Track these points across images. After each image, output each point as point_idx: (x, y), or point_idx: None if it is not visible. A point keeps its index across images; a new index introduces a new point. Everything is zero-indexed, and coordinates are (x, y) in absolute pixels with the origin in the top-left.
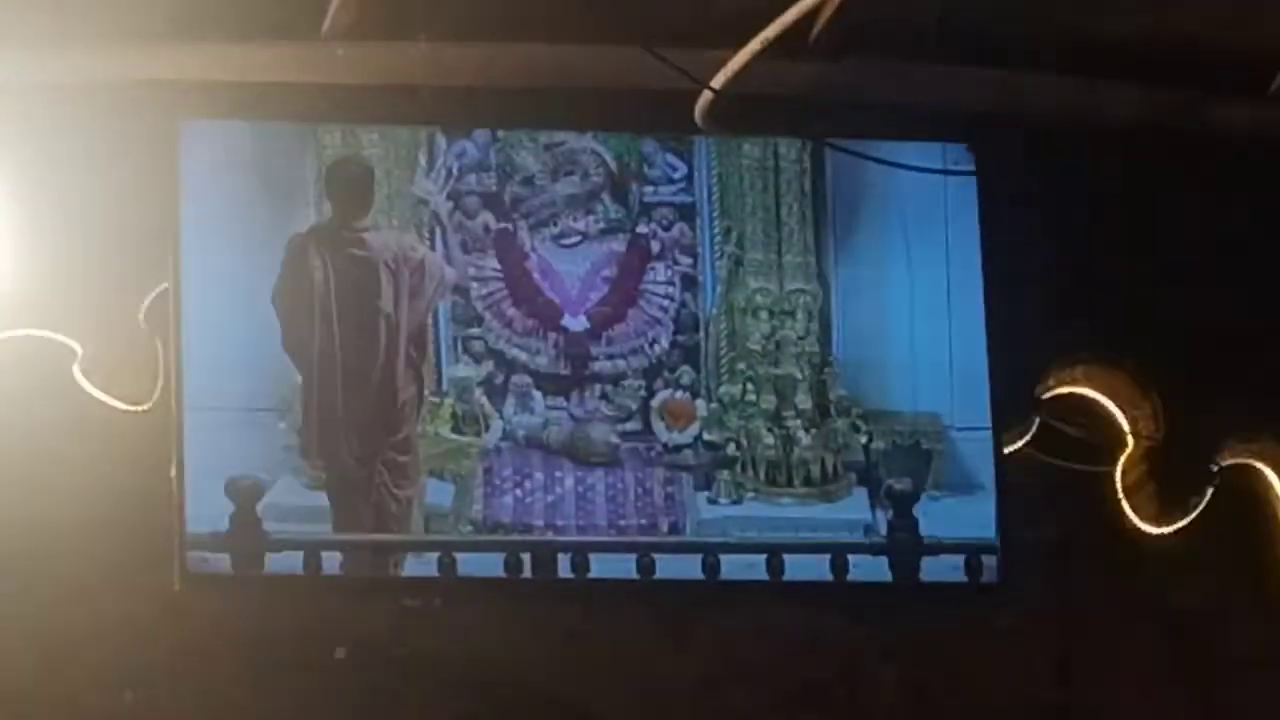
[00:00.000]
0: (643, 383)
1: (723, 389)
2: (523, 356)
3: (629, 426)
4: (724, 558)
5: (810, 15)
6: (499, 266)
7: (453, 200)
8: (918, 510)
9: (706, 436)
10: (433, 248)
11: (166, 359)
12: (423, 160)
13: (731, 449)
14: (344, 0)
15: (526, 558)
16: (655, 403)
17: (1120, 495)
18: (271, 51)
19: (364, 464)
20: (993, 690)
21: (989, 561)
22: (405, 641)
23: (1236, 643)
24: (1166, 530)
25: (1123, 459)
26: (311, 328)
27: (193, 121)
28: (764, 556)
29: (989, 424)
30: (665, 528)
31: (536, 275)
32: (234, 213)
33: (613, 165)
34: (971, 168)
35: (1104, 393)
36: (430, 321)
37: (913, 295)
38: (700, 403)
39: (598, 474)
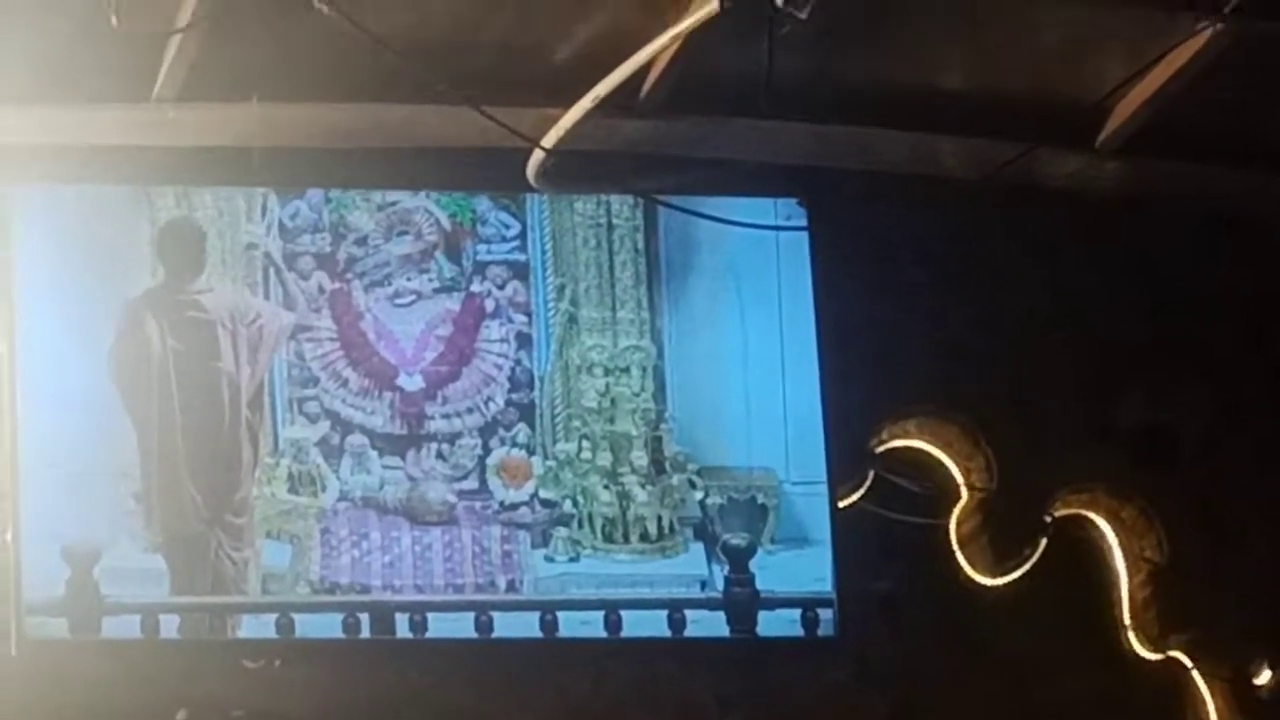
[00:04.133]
0: (479, 441)
1: (558, 446)
2: (358, 416)
3: (465, 485)
4: (562, 615)
5: (641, 73)
6: (334, 327)
7: (287, 255)
8: (754, 565)
9: (543, 494)
10: (267, 294)
11: (0, 423)
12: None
13: (568, 506)
14: (175, 61)
15: (365, 618)
16: (491, 461)
17: (955, 547)
18: (102, 114)
19: (209, 526)
20: None
21: (825, 615)
22: (245, 703)
23: (1071, 691)
24: (1001, 581)
25: (956, 511)
26: (150, 392)
27: (23, 186)
28: (602, 613)
29: (824, 478)
30: (503, 586)
31: (371, 335)
32: (68, 276)
33: (446, 224)
34: (803, 222)
35: (937, 445)
36: (266, 382)
37: (746, 350)
38: (536, 460)
39: (435, 533)
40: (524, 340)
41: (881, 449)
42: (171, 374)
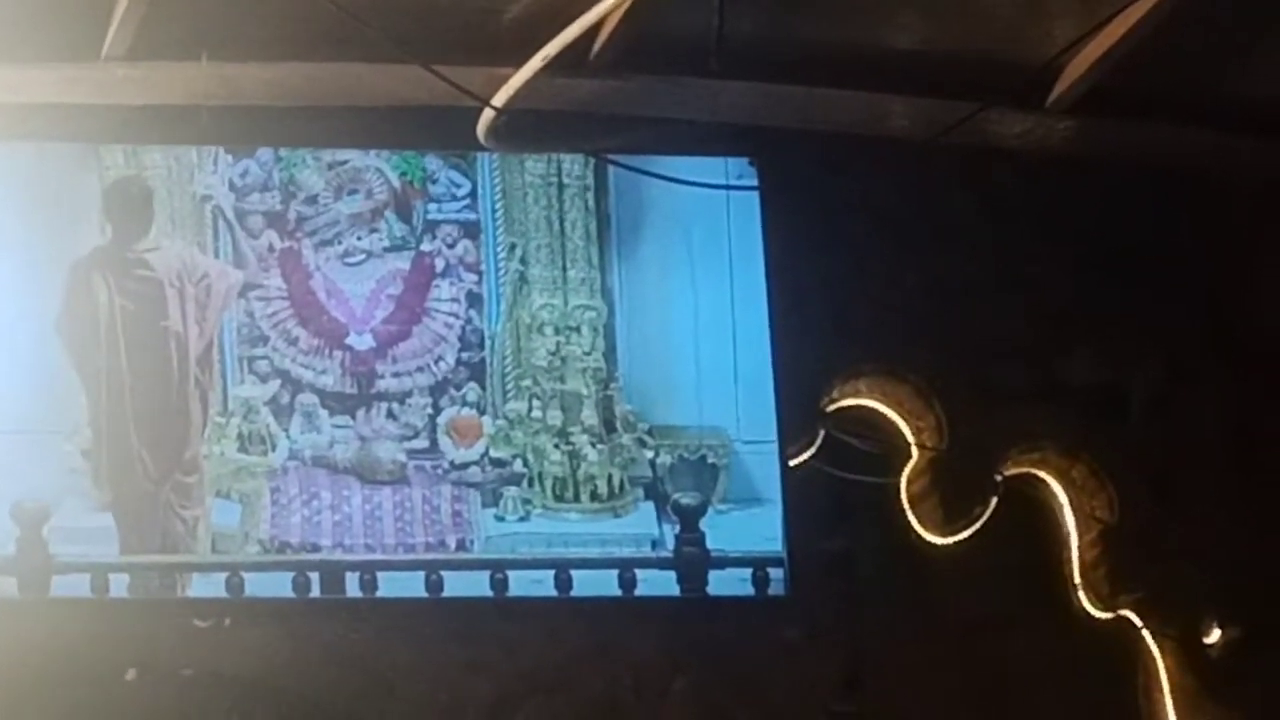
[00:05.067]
0: (429, 400)
1: (509, 405)
2: (308, 375)
3: (416, 444)
4: (512, 574)
5: (591, 32)
6: (284, 285)
7: (237, 212)
8: (705, 524)
9: (493, 453)
10: (217, 253)
11: None
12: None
13: (518, 465)
14: (124, 19)
15: (315, 577)
16: (442, 420)
17: (906, 506)
18: (51, 72)
19: (158, 485)
20: (784, 702)
21: (776, 574)
22: (194, 662)
23: (1023, 651)
24: (951, 540)
25: (907, 470)
26: (98, 351)
27: None
28: (552, 572)
29: (775, 437)
30: (453, 545)
31: (321, 294)
32: (16, 235)
33: (396, 183)
34: (754, 182)
35: (887, 404)
36: (216, 341)
37: (697, 310)
38: (487, 419)
39: (385, 492)
40: (474, 299)
41: (832, 408)
42: (120, 333)
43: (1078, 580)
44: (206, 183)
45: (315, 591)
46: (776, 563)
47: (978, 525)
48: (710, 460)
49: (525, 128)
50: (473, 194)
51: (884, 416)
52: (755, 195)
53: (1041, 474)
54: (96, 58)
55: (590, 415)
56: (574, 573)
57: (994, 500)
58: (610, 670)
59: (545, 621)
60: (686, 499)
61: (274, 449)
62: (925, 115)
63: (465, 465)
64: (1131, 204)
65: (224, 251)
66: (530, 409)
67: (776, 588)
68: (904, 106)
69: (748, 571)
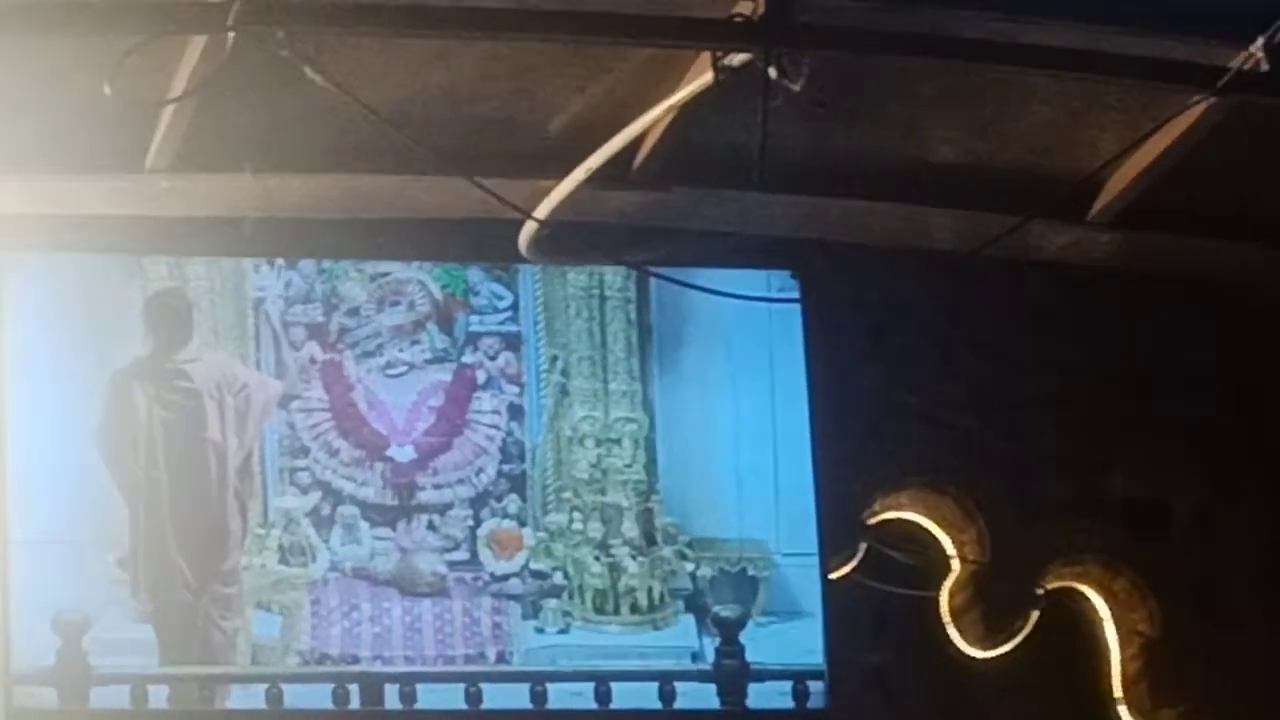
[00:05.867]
0: (470, 512)
1: (549, 518)
2: (349, 487)
3: (456, 556)
4: (551, 686)
5: (634, 144)
6: (325, 397)
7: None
8: (745, 636)
9: (534, 565)
10: (259, 363)
11: None
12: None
13: (559, 577)
14: (168, 131)
15: (354, 688)
16: (482, 532)
17: (946, 619)
18: (96, 184)
19: (197, 596)
20: None
21: (816, 687)
22: None
23: None
24: (992, 654)
25: (948, 583)
26: (137, 462)
27: (16, 255)
28: (592, 684)
29: (815, 550)
30: (493, 657)
31: (363, 406)
32: (59, 346)
33: (438, 295)
34: (796, 294)
35: (929, 517)
36: (257, 452)
37: (738, 422)
38: (527, 531)
39: (425, 604)
40: (515, 411)
41: (873, 521)
42: (159, 444)
43: (1119, 694)
44: (260, 284)
45: (355, 703)
46: (816, 676)
47: (1019, 639)
48: (750, 573)
49: (567, 240)
50: (514, 306)
51: (925, 530)
52: (797, 308)
53: (1083, 587)
54: (141, 169)
55: (631, 527)
56: (614, 685)
57: (1035, 614)
58: None
59: None
60: (726, 611)
61: (314, 560)
62: (967, 228)
63: (505, 577)
64: (1173, 317)
65: (266, 362)
66: (571, 521)
67: (816, 701)
68: (946, 219)
69: (788, 685)
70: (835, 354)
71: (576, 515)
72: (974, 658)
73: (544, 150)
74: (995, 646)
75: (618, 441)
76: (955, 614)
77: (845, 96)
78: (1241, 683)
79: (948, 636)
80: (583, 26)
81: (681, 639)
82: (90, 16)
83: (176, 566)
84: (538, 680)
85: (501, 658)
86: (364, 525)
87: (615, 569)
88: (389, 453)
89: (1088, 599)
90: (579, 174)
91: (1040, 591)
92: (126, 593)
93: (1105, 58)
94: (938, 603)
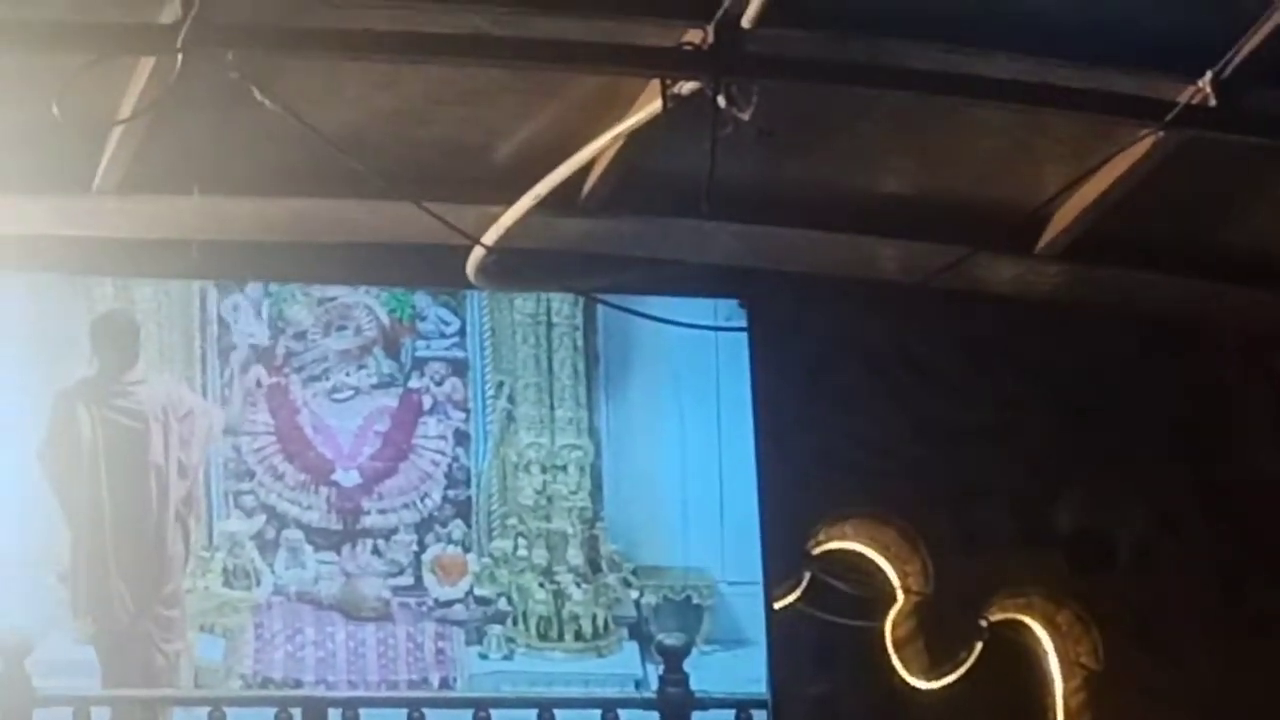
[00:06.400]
0: (415, 537)
1: (494, 544)
2: (294, 510)
3: (401, 581)
4: (495, 713)
5: (583, 171)
6: (271, 421)
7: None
8: (689, 665)
9: (478, 591)
10: (205, 387)
11: None
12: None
13: (503, 603)
14: (116, 153)
15: (297, 713)
16: (427, 557)
17: (891, 650)
18: (43, 204)
19: (136, 619)
20: None
21: (760, 716)
22: None
23: None
24: (936, 685)
25: (893, 614)
26: (80, 483)
27: None
28: (535, 711)
29: (760, 578)
30: (436, 683)
31: (308, 430)
32: (5, 365)
33: (385, 320)
34: (743, 323)
35: (873, 548)
36: (201, 476)
37: (684, 450)
38: (472, 557)
39: (369, 629)
40: (461, 437)
41: (818, 550)
42: (102, 465)
43: None
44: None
45: None
46: (760, 705)
47: (962, 670)
48: (695, 601)
49: (515, 266)
50: (461, 332)
51: (870, 560)
52: (744, 336)
53: (1027, 620)
54: (88, 190)
55: (575, 555)
56: (557, 712)
57: (979, 645)
58: None
59: None
60: (671, 639)
61: (258, 584)
62: (914, 258)
63: (450, 603)
64: (1118, 351)
65: (212, 386)
66: (516, 547)
67: None
68: (893, 249)
69: (731, 713)
70: (782, 382)
71: (521, 541)
72: (918, 688)
73: (492, 176)
74: (939, 678)
75: (563, 468)
76: (899, 644)
77: (794, 126)
78: (1183, 716)
79: (892, 667)
80: (532, 53)
81: (625, 666)
82: (38, 36)
83: (116, 589)
84: (481, 706)
85: (445, 683)
86: (308, 549)
87: (560, 595)
88: (334, 477)
89: (1031, 631)
90: (527, 200)
91: (984, 623)
92: (69, 614)
93: (1054, 90)
94: (882, 633)
